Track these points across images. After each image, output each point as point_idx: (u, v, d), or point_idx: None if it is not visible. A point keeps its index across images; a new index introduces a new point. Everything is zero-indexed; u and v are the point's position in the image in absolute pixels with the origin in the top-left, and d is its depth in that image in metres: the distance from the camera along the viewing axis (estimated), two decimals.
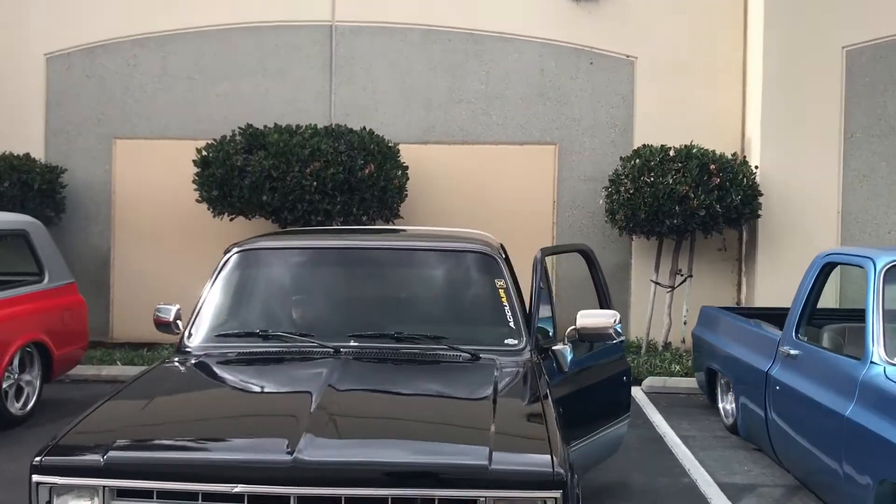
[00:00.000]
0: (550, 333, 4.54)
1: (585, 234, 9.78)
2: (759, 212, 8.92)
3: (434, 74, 9.90)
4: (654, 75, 9.78)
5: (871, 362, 4.13)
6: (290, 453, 2.79)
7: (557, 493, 2.70)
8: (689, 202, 8.48)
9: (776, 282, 8.80)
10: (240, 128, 8.90)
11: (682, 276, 9.18)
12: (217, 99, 9.89)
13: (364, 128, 8.90)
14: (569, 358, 4.21)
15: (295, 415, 3.11)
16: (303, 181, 8.25)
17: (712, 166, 8.56)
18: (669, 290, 9.15)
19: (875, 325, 4.21)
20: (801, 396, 4.72)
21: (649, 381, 7.99)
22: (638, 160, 8.83)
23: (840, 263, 5.10)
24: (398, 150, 9.10)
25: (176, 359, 3.92)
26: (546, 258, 4.50)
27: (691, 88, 9.71)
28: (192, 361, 3.85)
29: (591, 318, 4.31)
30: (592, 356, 4.73)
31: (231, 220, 8.97)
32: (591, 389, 4.67)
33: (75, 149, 9.99)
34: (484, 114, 9.90)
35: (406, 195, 9.19)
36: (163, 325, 4.24)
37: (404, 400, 3.56)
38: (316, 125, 8.81)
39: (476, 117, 9.90)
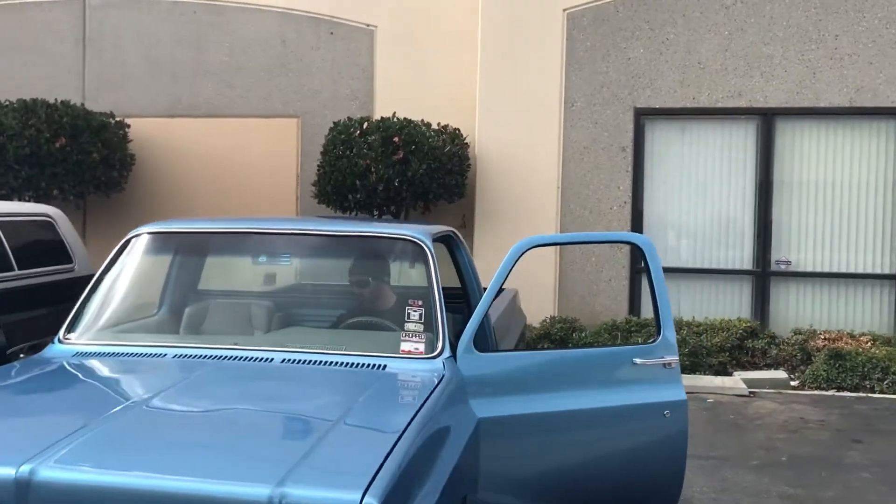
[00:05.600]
0: None
1: (329, 209, 9.53)
2: (461, 186, 8.44)
3: (179, 47, 9.82)
4: (395, 45, 9.37)
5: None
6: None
7: None
8: (370, 176, 8.12)
9: (498, 258, 8.30)
10: None
11: None
12: None
13: (56, 100, 8.91)
14: None
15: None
16: None
17: (395, 138, 8.15)
18: None
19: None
20: None
21: None
22: (335, 133, 8.51)
23: None
24: (115, 123, 9.13)
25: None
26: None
27: (430, 59, 9.25)
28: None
29: None
30: None
31: None
32: None
33: None
34: (228, 86, 9.76)
35: (132, 168, 9.25)
36: None
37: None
38: (9, 101, 8.84)
39: (220, 90, 9.77)
